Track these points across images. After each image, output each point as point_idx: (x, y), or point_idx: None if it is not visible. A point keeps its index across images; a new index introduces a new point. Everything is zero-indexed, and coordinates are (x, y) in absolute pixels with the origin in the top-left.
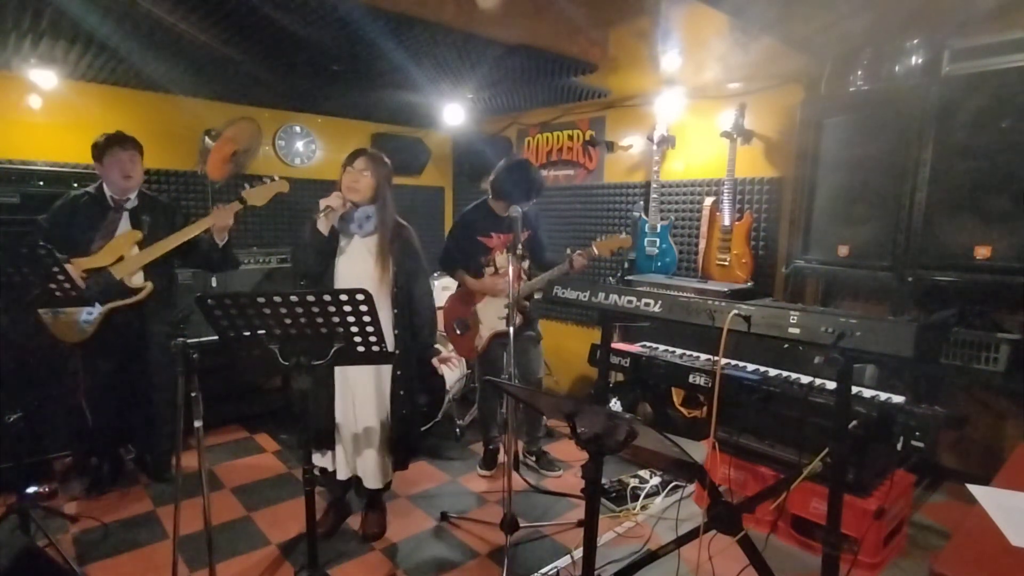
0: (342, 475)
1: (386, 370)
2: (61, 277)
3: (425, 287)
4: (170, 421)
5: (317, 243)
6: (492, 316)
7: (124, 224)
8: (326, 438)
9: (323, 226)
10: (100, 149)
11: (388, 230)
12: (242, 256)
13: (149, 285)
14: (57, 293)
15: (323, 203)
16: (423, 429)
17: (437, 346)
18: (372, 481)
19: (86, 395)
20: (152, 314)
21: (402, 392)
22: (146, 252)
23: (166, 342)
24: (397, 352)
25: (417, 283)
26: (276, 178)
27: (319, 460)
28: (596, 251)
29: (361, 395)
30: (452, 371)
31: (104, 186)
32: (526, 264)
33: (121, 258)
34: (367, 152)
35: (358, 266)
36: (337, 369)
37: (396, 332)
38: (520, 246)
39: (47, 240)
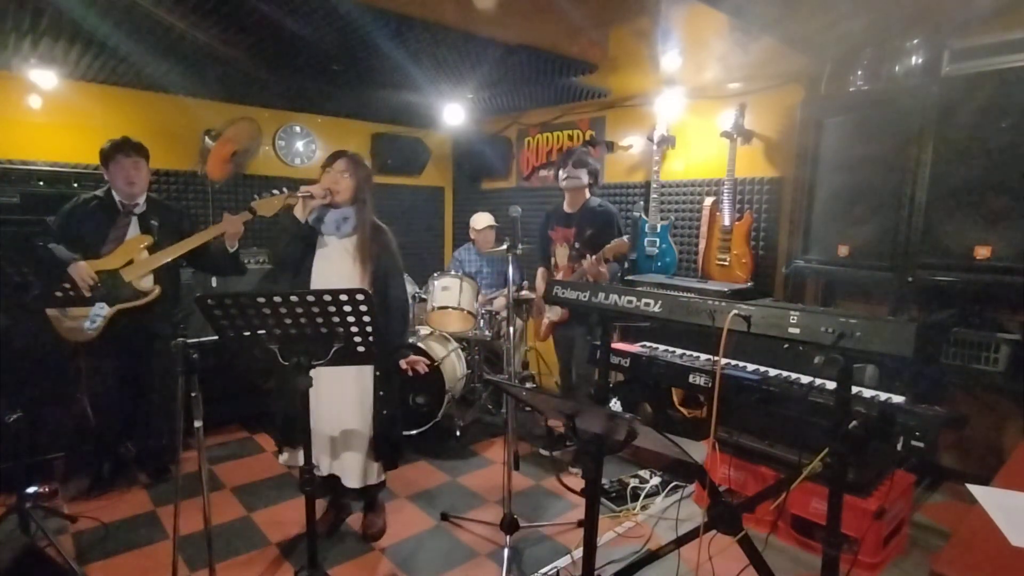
0: (324, 471)
1: (368, 370)
2: (65, 284)
3: (400, 289)
4: (171, 421)
5: (294, 229)
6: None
7: (134, 228)
8: (299, 435)
9: (299, 212)
10: (105, 155)
11: (367, 232)
12: (242, 256)
13: (158, 288)
14: (57, 294)
15: (303, 189)
16: (423, 430)
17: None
18: (352, 480)
19: (90, 394)
20: (159, 316)
21: (382, 393)
22: (157, 256)
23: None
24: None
25: (391, 285)
26: (285, 190)
27: (291, 458)
28: (605, 254)
29: (340, 394)
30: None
31: (113, 190)
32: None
33: (131, 261)
34: (347, 154)
35: (336, 266)
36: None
37: None
38: (577, 244)
39: (56, 241)
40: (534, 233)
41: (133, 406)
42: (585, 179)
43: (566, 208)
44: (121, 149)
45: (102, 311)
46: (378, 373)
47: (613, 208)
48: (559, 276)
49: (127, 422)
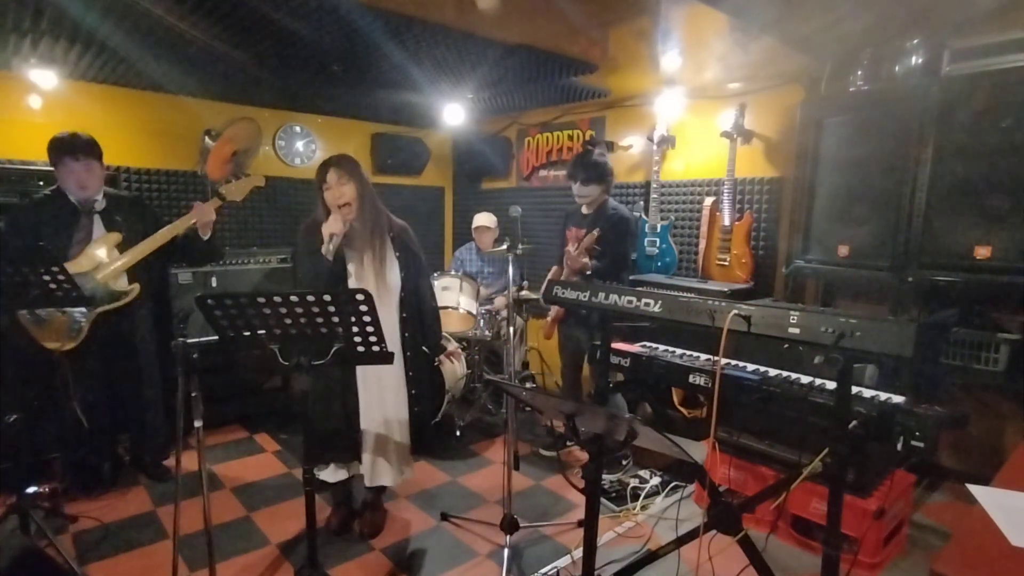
0: (370, 481)
1: (400, 372)
2: (61, 277)
3: (428, 286)
4: (164, 421)
5: (329, 271)
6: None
7: (98, 227)
8: (352, 447)
9: (329, 253)
10: (51, 155)
11: (392, 236)
12: (242, 256)
13: (135, 287)
14: (57, 293)
15: (326, 231)
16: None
17: (443, 342)
18: (388, 478)
19: (78, 399)
20: (141, 315)
21: (414, 392)
22: (129, 254)
23: (155, 342)
24: (408, 353)
25: (420, 283)
26: (250, 174)
27: (335, 474)
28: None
29: (384, 399)
30: (455, 367)
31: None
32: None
33: (103, 262)
34: (332, 162)
35: (374, 277)
36: (360, 373)
37: (406, 335)
38: (578, 243)
39: (7, 248)
40: (535, 233)
41: (124, 407)
42: (597, 192)
43: (584, 210)
44: (70, 151)
45: (82, 317)
46: (411, 374)
47: (628, 213)
48: (564, 275)
49: (121, 423)
